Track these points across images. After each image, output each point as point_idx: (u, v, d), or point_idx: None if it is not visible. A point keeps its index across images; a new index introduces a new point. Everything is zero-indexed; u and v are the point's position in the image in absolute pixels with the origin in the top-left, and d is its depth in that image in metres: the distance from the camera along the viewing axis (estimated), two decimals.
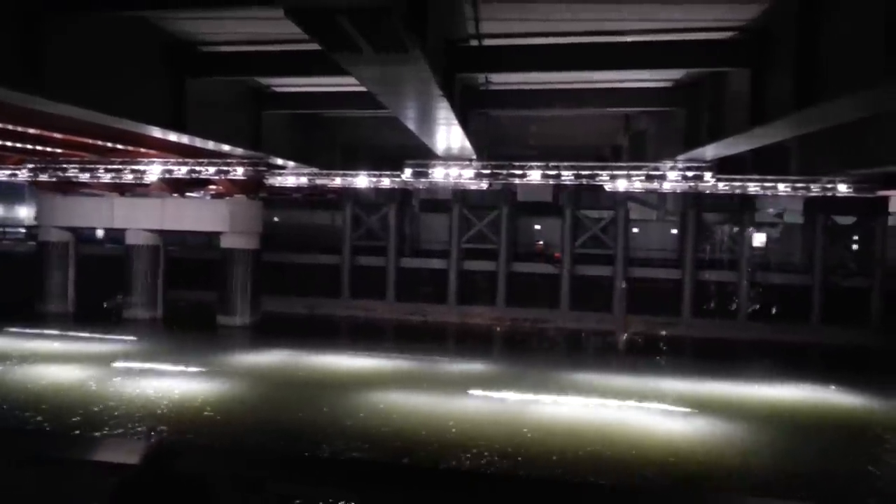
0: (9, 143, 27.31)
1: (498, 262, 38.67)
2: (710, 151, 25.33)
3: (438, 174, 31.53)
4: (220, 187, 35.26)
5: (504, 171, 31.32)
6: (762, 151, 25.91)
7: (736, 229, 37.64)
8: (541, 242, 42.96)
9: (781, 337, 34.46)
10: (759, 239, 40.46)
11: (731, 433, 19.95)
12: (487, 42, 19.38)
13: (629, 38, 18.68)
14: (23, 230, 51.76)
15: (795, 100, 15.23)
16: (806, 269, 37.10)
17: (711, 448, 18.68)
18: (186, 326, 34.57)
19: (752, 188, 32.29)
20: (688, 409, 21.72)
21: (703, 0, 16.26)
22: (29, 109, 18.54)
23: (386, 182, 35.67)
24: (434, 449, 17.75)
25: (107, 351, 27.93)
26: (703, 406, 22.16)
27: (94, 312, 36.12)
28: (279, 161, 32.66)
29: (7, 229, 53.16)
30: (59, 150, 30.75)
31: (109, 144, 27.74)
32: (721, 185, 31.58)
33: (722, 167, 29.87)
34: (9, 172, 35.79)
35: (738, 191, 32.57)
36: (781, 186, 31.72)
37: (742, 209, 36.91)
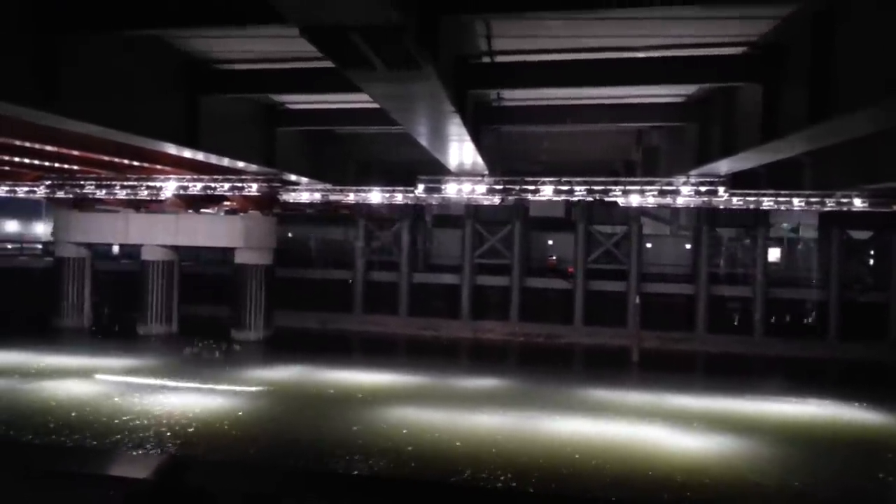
0: (27, 160, 27.66)
1: (511, 277, 38.63)
2: (724, 166, 25.22)
3: (451, 190, 31.58)
4: (235, 203, 35.54)
5: (516, 187, 31.30)
6: (776, 166, 25.75)
7: (750, 243, 37.42)
8: (553, 258, 42.88)
9: (798, 352, 34.13)
10: (773, 254, 40.18)
11: (764, 454, 19.42)
12: (499, 59, 19.46)
13: (641, 55, 18.72)
14: (39, 246, 52.30)
15: (809, 114, 15.16)
16: (822, 284, 36.81)
17: (747, 469, 18.19)
18: (202, 341, 34.65)
19: (767, 203, 32.07)
20: (717, 429, 21.32)
21: (715, 16, 16.23)
22: (46, 127, 18.82)
23: (399, 197, 35.77)
24: (477, 468, 17.43)
25: (122, 366, 28.02)
26: (731, 425, 21.77)
27: (110, 327, 36.36)
28: (293, 177, 32.86)
29: (24, 245, 53.76)
30: (76, 167, 31.10)
31: (125, 161, 27.99)
32: (735, 199, 31.40)
33: (735, 182, 29.73)
34: (27, 189, 36.21)
35: (752, 206, 32.37)
36: (796, 201, 31.48)
37: (756, 224, 36.74)
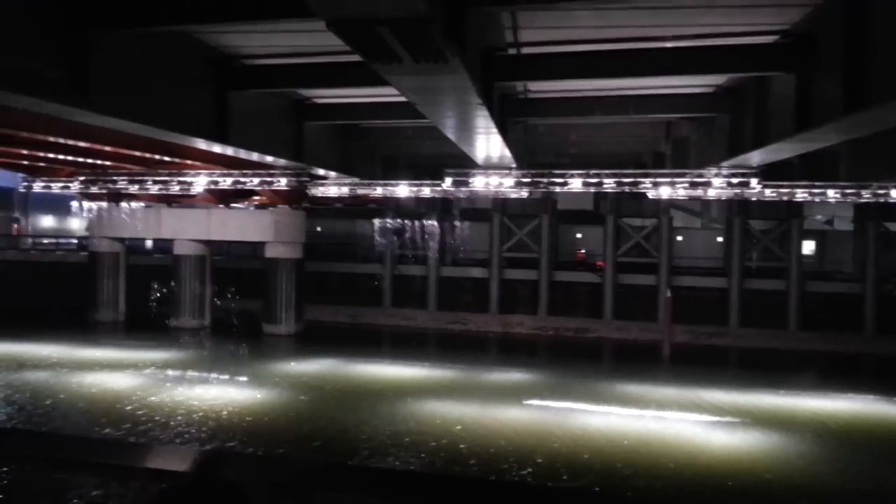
0: (60, 157, 28.17)
1: (539, 270, 38.48)
2: (756, 157, 24.82)
3: (478, 183, 31.50)
4: (264, 198, 35.85)
5: (544, 180, 31.12)
6: (811, 156, 25.30)
7: (783, 236, 36.80)
8: (582, 251, 42.62)
9: (834, 347, 33.52)
10: (808, 246, 39.50)
11: (809, 452, 18.93)
12: (526, 50, 19.36)
13: (669, 44, 18.47)
14: (74, 241, 53.33)
15: (843, 104, 14.84)
16: (858, 278, 36.09)
17: (794, 468, 17.71)
18: (234, 335, 35.15)
19: (801, 194, 31.50)
20: (757, 425, 20.87)
21: (745, 4, 15.98)
22: (78, 123, 19.15)
23: (426, 191, 35.80)
24: (538, 463, 17.22)
25: (161, 359, 28.51)
26: (770, 421, 21.29)
27: (144, 321, 36.98)
28: (321, 171, 33.05)
29: (60, 240, 54.85)
30: (108, 163, 31.63)
31: (157, 157, 28.38)
32: (768, 191, 30.89)
33: (768, 173, 29.24)
34: (61, 185, 36.92)
35: (785, 197, 31.82)
36: (831, 192, 30.88)
37: (790, 216, 36.14)
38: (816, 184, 30.95)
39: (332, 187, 35.95)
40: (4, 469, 14.27)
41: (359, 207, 49.30)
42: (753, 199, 32.29)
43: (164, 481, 5.88)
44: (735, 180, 28.84)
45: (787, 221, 36.43)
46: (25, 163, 31.98)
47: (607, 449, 18.40)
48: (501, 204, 38.96)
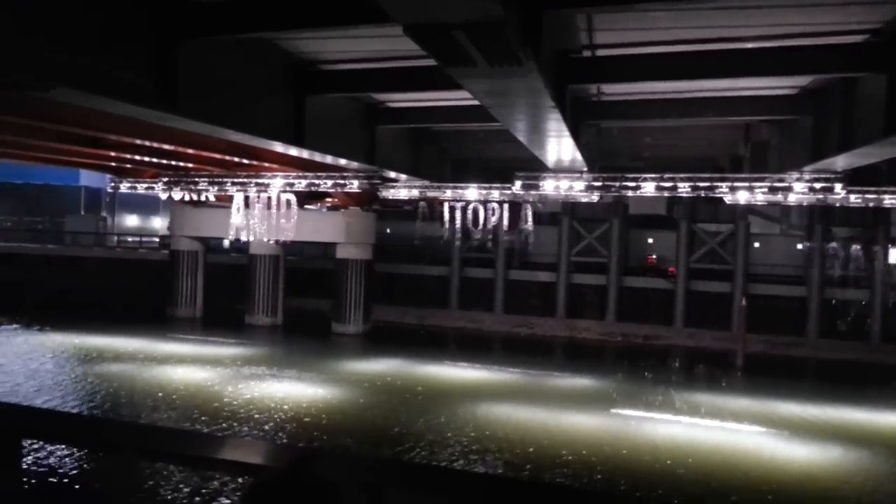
0: (146, 158, 29.37)
1: (608, 275, 37.93)
2: (841, 162, 23.85)
3: (549, 186, 31.27)
4: (337, 200, 36.50)
5: (616, 184, 30.64)
6: None
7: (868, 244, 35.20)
8: (654, 256, 41.78)
9: None
10: (895, 255, 37.65)
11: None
12: (600, 52, 19.14)
13: (750, 45, 17.96)
14: (157, 239, 55.52)
15: None
16: None
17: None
18: (305, 333, 35.93)
19: (889, 200, 30.05)
20: (842, 442, 19.98)
21: (831, 2, 15.38)
22: (164, 127, 19.94)
23: (496, 194, 35.78)
24: (638, 476, 16.86)
25: (236, 355, 29.41)
26: (856, 438, 20.35)
27: (220, 317, 38.15)
28: (392, 174, 33.44)
29: (143, 239, 57.17)
30: (190, 165, 32.79)
31: (235, 159, 29.29)
32: (853, 197, 29.56)
33: (854, 178, 28.03)
34: (146, 185, 38.49)
35: (871, 203, 30.41)
36: None
37: (875, 223, 34.55)
38: None
39: (403, 190, 36.29)
40: (97, 458, 14.99)
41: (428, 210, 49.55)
42: (837, 205, 30.98)
43: (251, 475, 6.03)
44: (818, 185, 27.77)
45: (872, 229, 34.86)
46: (113, 164, 33.48)
47: (698, 462, 17.90)
48: (571, 207, 38.60)
